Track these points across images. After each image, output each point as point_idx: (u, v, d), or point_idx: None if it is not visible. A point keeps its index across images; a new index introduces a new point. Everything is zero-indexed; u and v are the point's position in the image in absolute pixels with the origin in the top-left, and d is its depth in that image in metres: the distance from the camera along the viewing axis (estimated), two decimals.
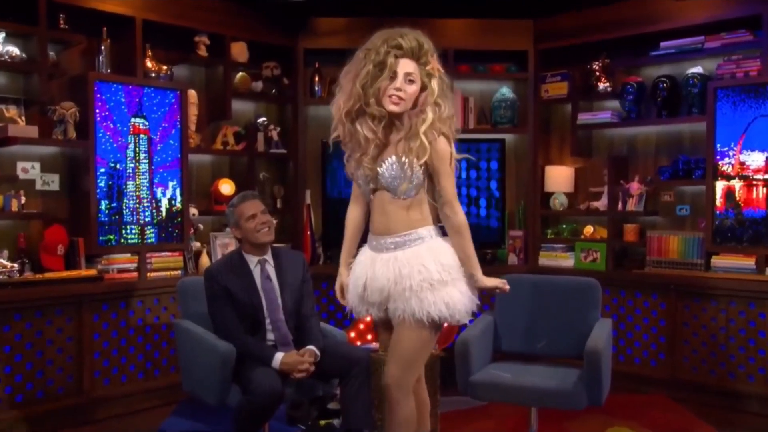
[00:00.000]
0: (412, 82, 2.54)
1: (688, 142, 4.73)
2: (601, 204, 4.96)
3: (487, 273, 5.42)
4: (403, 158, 2.52)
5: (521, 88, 5.31)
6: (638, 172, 4.86)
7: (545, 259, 5.16)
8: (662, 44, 4.62)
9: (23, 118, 4.00)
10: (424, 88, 2.56)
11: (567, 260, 5.06)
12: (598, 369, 3.30)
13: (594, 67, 4.95)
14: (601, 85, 4.92)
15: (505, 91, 5.27)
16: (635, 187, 4.77)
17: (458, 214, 2.61)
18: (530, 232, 5.24)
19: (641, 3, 4.67)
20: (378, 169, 2.57)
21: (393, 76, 2.51)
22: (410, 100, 2.55)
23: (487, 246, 5.22)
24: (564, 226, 5.23)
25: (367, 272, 2.65)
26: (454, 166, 2.62)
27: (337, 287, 2.85)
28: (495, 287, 2.68)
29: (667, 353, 4.52)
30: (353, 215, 2.82)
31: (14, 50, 3.86)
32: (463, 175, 5.10)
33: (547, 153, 5.35)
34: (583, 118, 5.02)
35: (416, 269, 2.57)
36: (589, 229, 5.04)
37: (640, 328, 4.64)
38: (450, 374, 3.92)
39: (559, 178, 5.20)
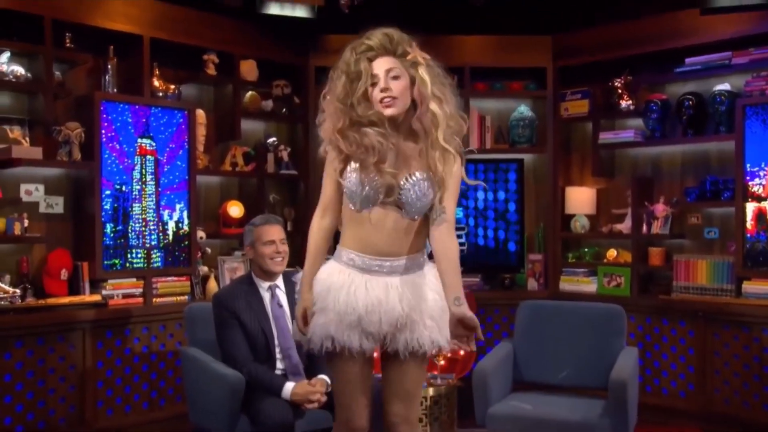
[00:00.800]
0: (397, 77, 2.37)
1: (715, 162, 4.68)
2: (625, 226, 4.91)
3: (506, 299, 5.39)
4: (429, 174, 2.38)
5: (540, 107, 5.30)
6: (663, 193, 4.82)
7: (566, 284, 5.10)
8: (687, 60, 4.60)
9: (27, 139, 4.03)
10: (413, 82, 2.39)
11: (589, 285, 5.01)
12: (623, 400, 3.24)
13: (616, 84, 4.93)
14: (624, 103, 4.90)
15: (524, 109, 5.27)
16: (660, 208, 4.72)
17: (455, 236, 2.45)
18: (550, 256, 5.20)
19: (665, 18, 4.66)
20: (402, 182, 2.39)
21: (375, 80, 2.37)
22: (403, 96, 2.38)
23: (506, 270, 5.18)
24: (586, 249, 5.18)
25: (366, 298, 2.42)
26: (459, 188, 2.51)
27: (298, 313, 2.54)
28: (474, 327, 2.32)
29: (697, 384, 4.44)
30: (324, 226, 2.55)
31: (19, 70, 3.90)
32: (480, 196, 5.08)
33: (568, 173, 5.32)
34: (605, 137, 4.99)
35: (431, 296, 2.47)
36: (612, 253, 4.99)
37: (667, 357, 4.56)
38: (467, 405, 3.87)
39: (580, 199, 5.16)
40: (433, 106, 2.37)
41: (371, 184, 2.39)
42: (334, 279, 2.47)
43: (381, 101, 2.36)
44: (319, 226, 2.56)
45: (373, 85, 2.37)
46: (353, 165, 2.40)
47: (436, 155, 2.38)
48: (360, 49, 2.39)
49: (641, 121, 4.86)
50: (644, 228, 4.78)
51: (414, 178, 2.39)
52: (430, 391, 3.77)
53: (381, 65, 2.38)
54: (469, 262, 5.09)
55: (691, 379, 4.47)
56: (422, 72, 2.38)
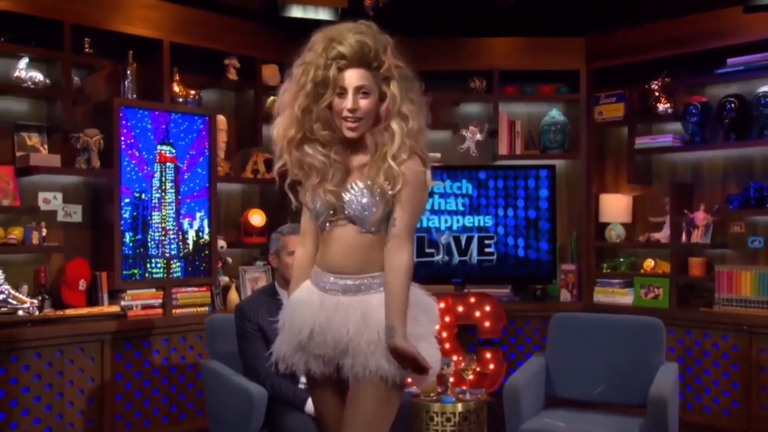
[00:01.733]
0: (366, 95, 2.22)
1: (759, 168, 4.61)
2: (663, 235, 4.85)
3: (537, 311, 5.36)
4: (371, 181, 2.24)
5: (572, 111, 5.27)
6: (704, 200, 4.75)
7: (601, 295, 5.05)
8: (729, 61, 4.54)
9: (46, 146, 4.09)
10: (383, 96, 2.25)
11: (625, 297, 4.95)
12: (664, 418, 3.20)
13: (653, 86, 4.88)
14: (661, 107, 4.84)
15: (555, 113, 5.23)
16: (701, 217, 4.65)
17: (406, 254, 2.23)
18: (584, 266, 5.15)
19: (705, 17, 4.60)
20: (344, 196, 2.27)
21: (341, 92, 2.22)
22: (369, 117, 2.24)
23: (537, 281, 5.15)
24: (621, 259, 5.12)
25: (316, 317, 2.29)
26: (425, 195, 2.33)
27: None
28: (413, 358, 2.16)
29: (742, 401, 4.35)
30: (304, 255, 2.46)
31: (38, 76, 3.97)
32: (510, 203, 5.06)
33: (602, 180, 5.27)
34: (642, 142, 4.94)
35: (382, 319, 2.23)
36: (649, 263, 4.92)
37: (709, 373, 4.48)
38: (498, 422, 3.84)
39: (616, 207, 5.11)
40: (394, 124, 2.24)
41: (317, 203, 2.31)
42: (299, 296, 2.39)
43: (345, 119, 2.23)
44: (300, 255, 2.48)
45: (339, 95, 2.22)
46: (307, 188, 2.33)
47: (381, 169, 2.21)
48: (331, 53, 2.20)
49: (680, 125, 4.80)
50: (684, 237, 4.72)
51: (354, 189, 2.27)
52: (459, 406, 3.75)
53: (352, 79, 2.21)
54: (499, 272, 5.07)
55: (735, 397, 4.38)
56: (393, 88, 2.24)
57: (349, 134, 2.24)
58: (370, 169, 2.25)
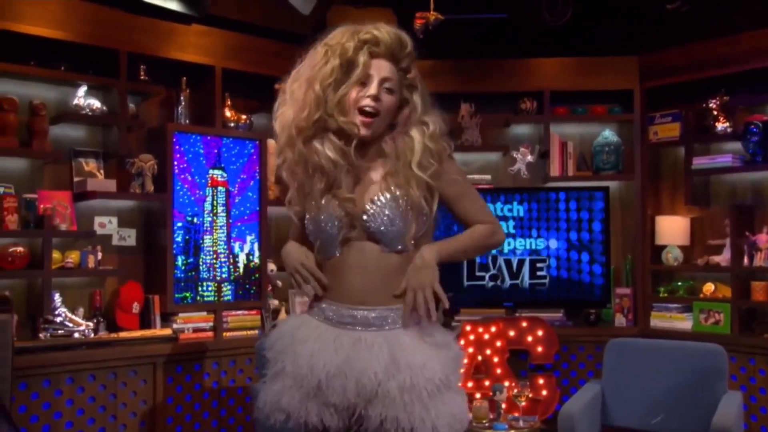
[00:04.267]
0: (390, 92, 1.98)
1: None
2: (723, 259, 4.71)
3: (591, 336, 5.24)
4: (399, 191, 1.95)
5: (626, 131, 5.18)
6: (767, 222, 4.60)
7: (658, 320, 4.92)
8: None
9: (102, 171, 4.19)
10: (402, 104, 2.03)
11: (684, 322, 4.81)
12: None
13: (710, 105, 4.77)
14: (720, 126, 4.73)
15: (608, 134, 5.16)
16: (764, 239, 4.50)
17: (502, 234, 2.08)
18: (639, 290, 5.03)
19: (762, 34, 4.49)
20: (367, 207, 1.95)
21: (365, 81, 1.96)
22: (386, 116, 1.99)
23: (590, 305, 5.05)
24: (679, 283, 4.99)
25: (331, 357, 1.90)
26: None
27: (299, 264, 2.05)
28: (432, 281, 1.95)
29: None
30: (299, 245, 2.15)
31: (95, 103, 4.08)
32: (563, 226, 4.98)
33: (658, 201, 5.16)
34: (699, 162, 4.83)
35: (419, 360, 1.90)
36: (709, 287, 4.78)
37: None
38: None
39: (672, 229, 4.99)
40: (415, 131, 2.00)
41: (328, 217, 1.96)
42: (298, 332, 2.00)
43: (362, 111, 1.95)
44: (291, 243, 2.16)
45: (361, 83, 1.96)
46: (309, 206, 2.01)
47: (408, 181, 1.96)
48: (363, 36, 1.96)
49: (740, 144, 4.68)
50: (745, 260, 4.57)
51: (379, 201, 1.95)
52: None
53: (380, 69, 1.97)
54: (552, 296, 4.99)
55: None
56: (416, 97, 2.04)
57: (362, 131, 1.96)
58: (394, 177, 1.97)
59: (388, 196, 1.95)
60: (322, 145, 1.95)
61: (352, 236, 1.97)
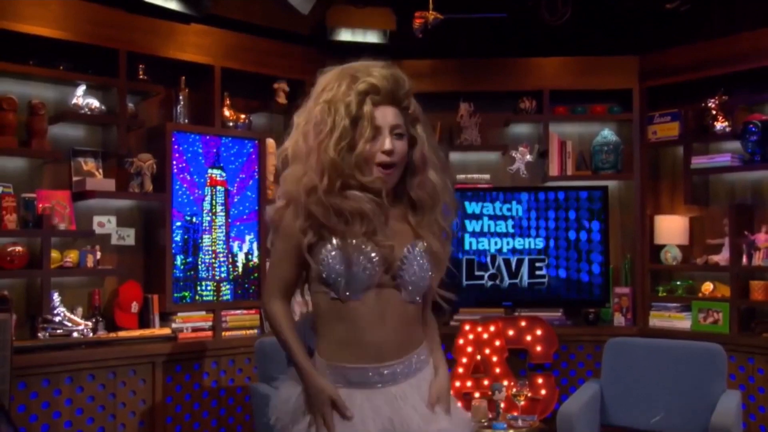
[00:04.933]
0: (400, 136, 1.95)
1: None
2: (722, 258, 4.71)
3: (590, 335, 5.24)
4: (427, 242, 1.97)
5: (625, 130, 5.18)
6: (765, 221, 4.60)
7: (657, 319, 4.92)
8: None
9: (101, 171, 4.19)
10: (412, 142, 1.99)
11: (683, 321, 4.81)
12: None
13: (709, 105, 4.77)
14: (719, 125, 4.73)
15: (607, 133, 5.16)
16: (763, 238, 4.51)
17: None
18: (638, 290, 5.03)
19: (761, 33, 4.50)
20: (405, 252, 1.95)
21: (375, 133, 1.91)
22: (402, 163, 1.96)
23: (589, 305, 5.05)
24: (678, 282, 4.99)
25: (376, 422, 1.90)
26: None
27: (323, 405, 1.93)
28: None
29: None
30: (286, 311, 2.07)
31: (94, 102, 4.07)
32: (561, 225, 4.98)
33: (657, 201, 5.16)
34: (698, 161, 4.83)
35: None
36: (708, 287, 4.78)
37: None
38: None
39: (671, 228, 4.99)
40: (433, 175, 1.98)
41: (364, 260, 1.90)
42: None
43: (380, 164, 1.91)
44: (284, 310, 2.05)
45: (371, 137, 1.91)
46: (334, 241, 1.90)
47: (431, 229, 1.98)
48: (361, 87, 1.91)
49: (738, 144, 4.67)
50: (744, 260, 4.58)
51: (417, 249, 1.96)
52: None
53: (386, 117, 1.93)
54: (551, 295, 4.99)
55: None
56: (420, 131, 1.99)
57: (382, 184, 1.92)
58: (421, 228, 1.98)
59: (423, 245, 1.96)
60: (353, 198, 1.90)
61: (383, 282, 1.93)
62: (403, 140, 1.95)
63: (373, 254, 1.90)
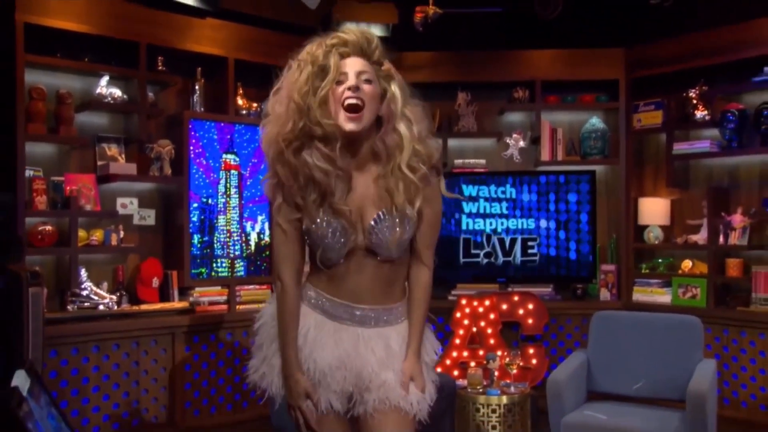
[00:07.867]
0: (368, 81, 1.91)
1: None
2: (700, 237, 4.77)
3: (578, 309, 5.30)
4: (398, 204, 1.93)
5: (612, 118, 5.22)
6: (741, 203, 4.66)
7: (640, 294, 4.99)
8: (766, 69, 4.45)
9: (123, 155, 4.24)
10: (383, 96, 1.95)
11: (664, 296, 4.88)
12: (702, 413, 3.15)
13: (690, 95, 4.80)
14: (699, 114, 4.77)
15: (595, 121, 5.19)
16: (738, 219, 4.56)
17: (430, 271, 2.08)
18: (623, 267, 5.09)
19: (741, 27, 4.52)
20: (377, 216, 1.94)
21: (341, 79, 1.89)
22: (371, 106, 1.90)
23: (578, 281, 5.11)
24: (660, 260, 5.05)
25: (335, 351, 1.98)
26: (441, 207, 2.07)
27: (298, 398, 2.01)
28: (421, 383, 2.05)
29: None
30: (293, 296, 2.02)
31: (117, 92, 4.12)
32: (552, 207, 5.04)
33: (641, 184, 5.21)
34: (680, 147, 4.87)
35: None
36: (687, 264, 4.85)
37: (746, 370, 4.39)
38: (541, 414, 3.83)
39: (654, 210, 5.04)
40: (401, 126, 1.93)
41: (330, 226, 1.92)
42: (313, 334, 2.03)
43: (344, 103, 1.87)
44: (294, 293, 2.03)
45: (339, 83, 1.89)
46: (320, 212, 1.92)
47: (396, 184, 1.93)
48: (331, 41, 1.92)
49: (717, 131, 4.72)
50: (721, 239, 4.63)
51: (389, 212, 1.94)
52: (504, 399, 3.76)
53: (352, 65, 1.91)
54: (542, 272, 5.05)
55: None
56: (395, 87, 1.96)
57: (349, 126, 1.87)
58: (385, 180, 1.94)
59: (387, 209, 1.94)
60: (311, 156, 1.88)
61: (355, 246, 1.95)
62: (371, 85, 1.91)
63: (333, 222, 1.91)
